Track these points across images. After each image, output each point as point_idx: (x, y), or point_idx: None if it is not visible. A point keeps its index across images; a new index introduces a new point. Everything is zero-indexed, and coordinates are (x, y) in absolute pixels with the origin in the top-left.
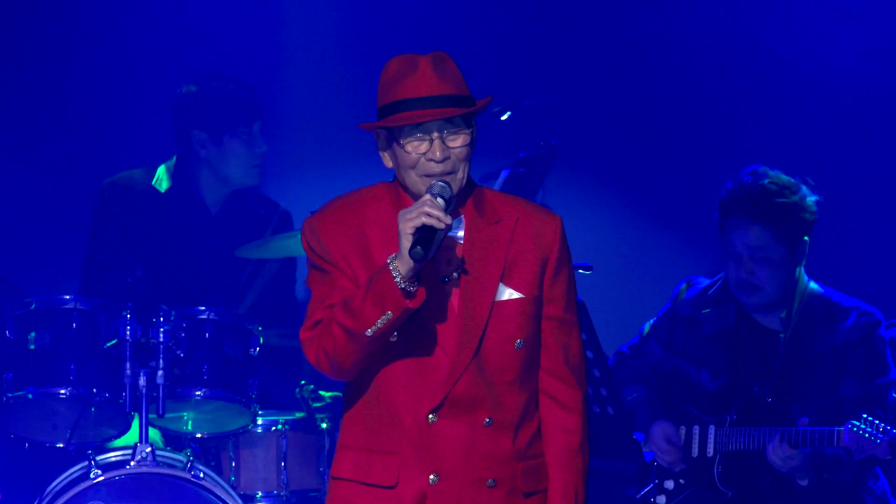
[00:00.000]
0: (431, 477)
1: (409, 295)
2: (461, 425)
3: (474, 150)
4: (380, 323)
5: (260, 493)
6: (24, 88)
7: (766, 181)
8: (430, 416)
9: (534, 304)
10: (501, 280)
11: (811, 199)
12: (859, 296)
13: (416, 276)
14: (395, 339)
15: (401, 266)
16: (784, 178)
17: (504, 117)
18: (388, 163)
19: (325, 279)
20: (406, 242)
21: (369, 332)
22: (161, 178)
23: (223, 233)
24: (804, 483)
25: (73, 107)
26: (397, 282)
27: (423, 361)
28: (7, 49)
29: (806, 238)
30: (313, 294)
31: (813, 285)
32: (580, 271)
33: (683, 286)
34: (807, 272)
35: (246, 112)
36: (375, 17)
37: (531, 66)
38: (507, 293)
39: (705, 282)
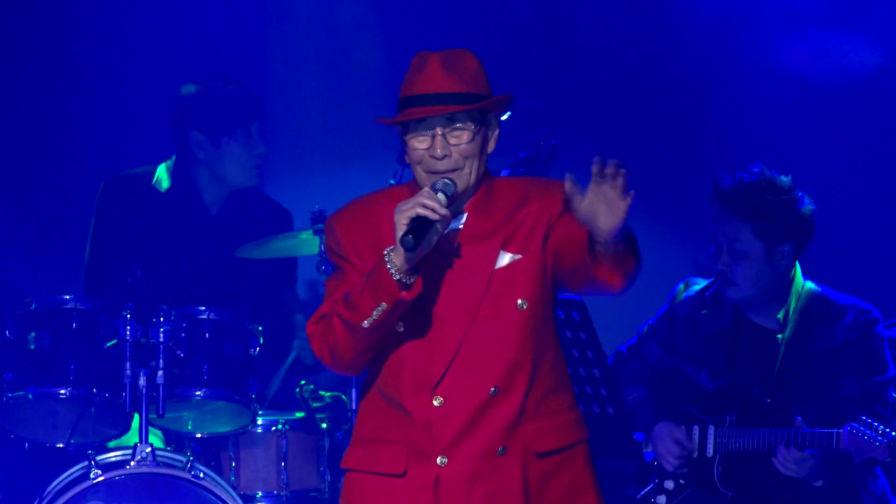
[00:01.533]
0: (440, 459)
1: (404, 286)
2: (467, 401)
3: (494, 147)
4: (375, 314)
5: (260, 493)
6: (24, 88)
7: (757, 178)
8: (435, 401)
9: (535, 261)
10: (502, 248)
11: (805, 207)
12: (858, 296)
13: (413, 268)
14: (401, 328)
15: (395, 257)
16: (780, 180)
17: (504, 117)
18: (408, 158)
19: (338, 275)
20: (399, 232)
21: (365, 323)
22: (160, 178)
23: (223, 232)
24: (819, 484)
25: (73, 106)
26: (392, 273)
27: (428, 349)
28: (6, 49)
29: (790, 244)
30: (325, 290)
31: (810, 285)
32: None
33: (681, 287)
34: (806, 272)
35: (244, 113)
36: (374, 17)
37: (531, 66)
38: (508, 258)
39: (703, 283)
